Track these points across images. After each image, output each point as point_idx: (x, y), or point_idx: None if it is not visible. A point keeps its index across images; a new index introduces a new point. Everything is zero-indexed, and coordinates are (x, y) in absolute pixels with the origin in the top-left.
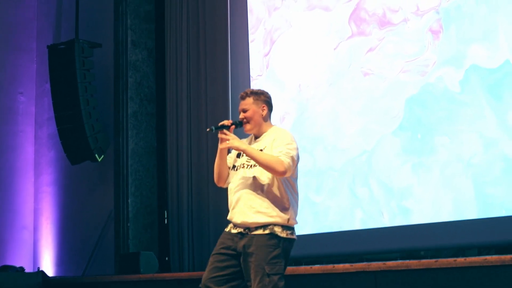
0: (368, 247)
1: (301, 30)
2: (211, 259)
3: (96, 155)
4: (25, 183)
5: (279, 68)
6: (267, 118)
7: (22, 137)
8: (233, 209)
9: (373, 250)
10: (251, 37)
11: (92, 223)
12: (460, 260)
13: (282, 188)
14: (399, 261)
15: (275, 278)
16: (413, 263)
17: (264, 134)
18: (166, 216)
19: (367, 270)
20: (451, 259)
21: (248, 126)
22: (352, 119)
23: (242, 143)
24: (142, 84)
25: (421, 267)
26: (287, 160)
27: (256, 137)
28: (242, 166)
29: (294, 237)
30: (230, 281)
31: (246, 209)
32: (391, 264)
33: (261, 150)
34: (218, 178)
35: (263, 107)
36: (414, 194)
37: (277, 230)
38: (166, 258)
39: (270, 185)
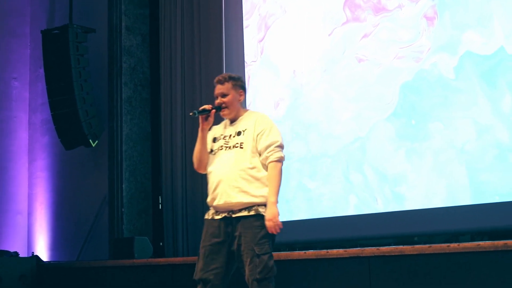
0: (362, 233)
1: (295, 16)
2: (202, 251)
3: (90, 140)
4: (19, 169)
5: (273, 54)
6: (242, 102)
7: (16, 123)
8: (214, 191)
9: (367, 236)
10: (245, 23)
11: (87, 208)
12: (454, 246)
13: (261, 168)
14: (393, 247)
15: (265, 257)
16: (406, 249)
17: (240, 117)
18: (160, 201)
19: (361, 255)
20: (444, 245)
21: (226, 111)
22: (346, 105)
23: (272, 210)
24: (136, 70)
25: (414, 253)
26: (279, 155)
27: (232, 121)
28: (220, 148)
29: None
30: (227, 270)
31: (229, 189)
32: (384, 249)
33: (241, 132)
34: (199, 164)
35: (241, 92)
36: (408, 180)
37: (261, 210)
38: (161, 243)
39: (250, 165)
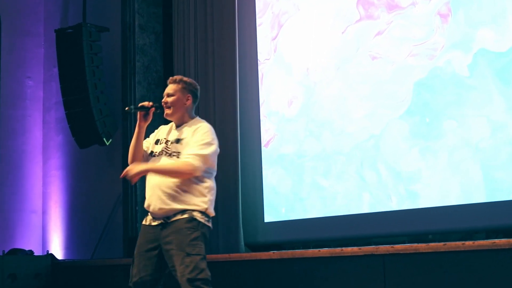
0: (376, 231)
1: (309, 13)
2: (138, 258)
3: (104, 139)
4: (33, 167)
5: (286, 52)
6: (190, 108)
7: (30, 122)
8: (151, 196)
9: (381, 234)
10: (258, 21)
11: (101, 207)
12: (469, 244)
13: (200, 177)
14: (407, 245)
15: (197, 258)
16: (421, 247)
17: (185, 124)
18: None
19: (376, 253)
20: (459, 243)
21: (168, 111)
22: (360, 103)
23: (141, 166)
24: (149, 68)
25: (429, 251)
26: (195, 163)
27: (178, 126)
28: (161, 153)
29: (211, 225)
30: (161, 275)
31: (164, 196)
32: (399, 247)
33: (181, 139)
34: (131, 159)
35: (188, 96)
36: (422, 178)
37: (196, 215)
38: None
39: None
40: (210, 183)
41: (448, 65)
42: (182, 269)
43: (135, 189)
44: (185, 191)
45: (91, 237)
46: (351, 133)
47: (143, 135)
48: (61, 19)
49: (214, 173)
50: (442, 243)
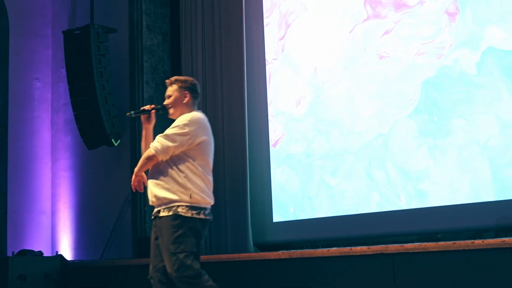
0: (385, 230)
1: (316, 13)
2: (151, 249)
3: (113, 139)
4: (42, 169)
5: (294, 51)
6: (190, 104)
7: (39, 123)
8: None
9: (390, 233)
10: (266, 21)
11: (110, 207)
12: (478, 242)
13: (175, 167)
14: (417, 244)
15: (181, 256)
16: (430, 245)
17: None
18: None
19: (385, 252)
20: (468, 241)
21: (170, 111)
22: (368, 102)
23: (135, 172)
24: (157, 69)
25: (438, 249)
26: (154, 145)
27: None
28: None
29: (202, 216)
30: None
31: (152, 189)
32: (408, 246)
33: None
34: None
35: (186, 93)
36: (431, 177)
37: (181, 210)
38: None
39: (164, 164)
40: (188, 172)
41: (456, 64)
42: (169, 267)
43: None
44: (166, 183)
45: (100, 238)
46: (359, 132)
47: (150, 136)
48: (68, 21)
49: (197, 161)
50: (451, 242)
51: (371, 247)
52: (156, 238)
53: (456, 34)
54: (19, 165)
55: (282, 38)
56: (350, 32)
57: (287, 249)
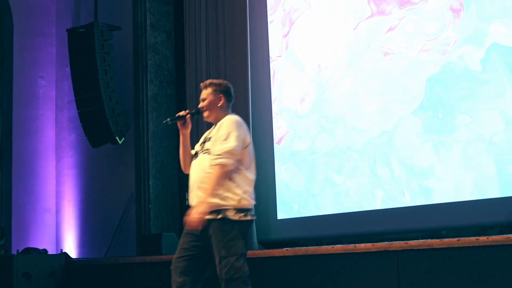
0: (389, 227)
1: (320, 10)
2: (182, 241)
3: (117, 137)
4: (46, 167)
5: (298, 49)
6: (225, 107)
7: (43, 121)
8: (190, 192)
9: (394, 230)
10: (270, 18)
11: (114, 205)
12: (483, 239)
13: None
14: (421, 241)
15: (232, 259)
16: (435, 242)
17: (218, 122)
18: (187, 198)
19: (389, 249)
20: (473, 238)
21: (205, 114)
22: (372, 99)
23: (200, 208)
24: (161, 67)
25: (443, 246)
26: (220, 161)
27: (215, 125)
28: (200, 152)
29: (249, 218)
30: (196, 259)
31: (198, 191)
32: (413, 243)
33: (210, 137)
34: (183, 166)
35: (220, 96)
36: (436, 174)
37: (229, 214)
38: None
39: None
40: (235, 175)
41: (461, 60)
42: (219, 269)
43: (148, 187)
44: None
45: (105, 236)
46: (363, 129)
47: (188, 141)
48: (73, 19)
49: (244, 164)
50: (456, 239)
51: (375, 244)
52: (193, 240)
53: (461, 30)
54: (23, 163)
55: (286, 36)
56: (354, 29)
57: (292, 246)
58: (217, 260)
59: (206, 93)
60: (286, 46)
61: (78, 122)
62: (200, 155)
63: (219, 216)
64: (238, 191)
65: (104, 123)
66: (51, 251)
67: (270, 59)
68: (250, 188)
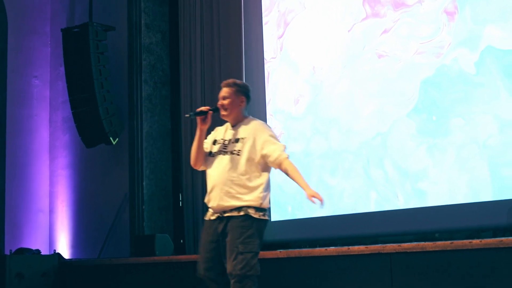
0: (383, 229)
1: (315, 12)
2: (202, 249)
3: (111, 138)
4: (40, 167)
5: (293, 50)
6: (244, 109)
7: (37, 121)
8: (210, 193)
9: (388, 232)
10: (264, 20)
11: (108, 206)
12: (476, 242)
13: (252, 177)
14: (414, 243)
15: (248, 256)
16: (428, 245)
17: (240, 123)
18: (181, 199)
19: (382, 252)
20: (466, 241)
21: (224, 112)
22: (366, 101)
23: (312, 191)
24: (156, 67)
25: (436, 249)
26: (287, 155)
27: (233, 125)
28: (219, 152)
29: (266, 218)
30: (224, 267)
31: (222, 194)
32: (406, 246)
33: (240, 139)
34: (195, 161)
35: (242, 98)
36: (429, 176)
37: (251, 211)
38: (181, 241)
39: (244, 172)
40: (264, 178)
41: (455, 63)
42: (234, 264)
43: (142, 188)
44: (241, 188)
45: (98, 236)
46: (358, 131)
47: (204, 137)
48: (67, 18)
49: (269, 170)
50: (449, 242)
51: (368, 246)
52: (212, 242)
53: (455, 33)
54: (17, 163)
55: (281, 37)
56: (349, 31)
57: (285, 248)
58: (232, 256)
59: (228, 92)
60: (281, 48)
61: (72, 122)
62: (223, 156)
63: (241, 213)
64: (263, 192)
65: (98, 123)
66: (44, 251)
67: (265, 60)
68: (269, 188)
